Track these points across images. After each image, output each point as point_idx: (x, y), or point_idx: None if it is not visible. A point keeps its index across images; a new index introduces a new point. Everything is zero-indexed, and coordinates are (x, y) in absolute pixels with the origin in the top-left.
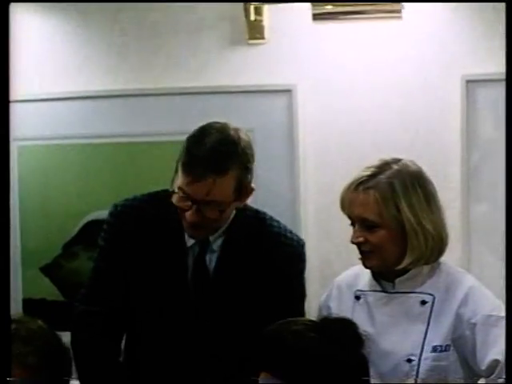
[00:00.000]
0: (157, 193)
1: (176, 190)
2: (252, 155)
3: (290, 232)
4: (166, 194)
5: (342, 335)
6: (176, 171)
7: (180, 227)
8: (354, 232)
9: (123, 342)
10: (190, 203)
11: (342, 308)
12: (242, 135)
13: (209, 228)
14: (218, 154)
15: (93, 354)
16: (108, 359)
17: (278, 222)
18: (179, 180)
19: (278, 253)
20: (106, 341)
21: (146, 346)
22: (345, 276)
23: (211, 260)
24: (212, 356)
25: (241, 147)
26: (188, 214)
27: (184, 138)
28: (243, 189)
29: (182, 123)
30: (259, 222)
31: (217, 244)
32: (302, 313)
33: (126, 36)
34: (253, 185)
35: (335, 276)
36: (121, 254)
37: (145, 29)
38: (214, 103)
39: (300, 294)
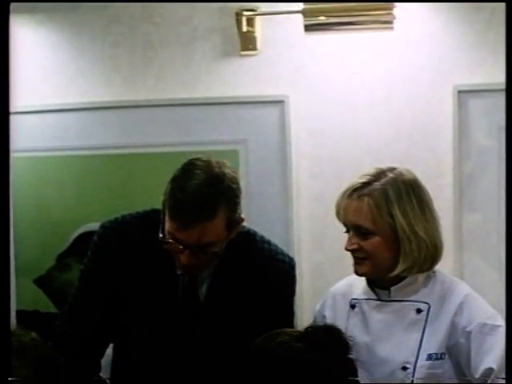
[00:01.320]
0: (146, 213)
1: (166, 236)
2: (239, 188)
3: (282, 253)
4: (156, 215)
5: (327, 342)
6: (163, 214)
7: (169, 253)
8: (349, 239)
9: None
10: (181, 247)
11: (337, 317)
12: (227, 170)
13: (204, 265)
14: (205, 198)
15: (71, 373)
16: (87, 378)
17: (268, 242)
18: (167, 225)
19: (268, 275)
20: (85, 361)
21: (136, 368)
22: (340, 285)
23: (202, 285)
24: (204, 376)
25: (227, 184)
26: (182, 258)
27: (177, 149)
28: (234, 223)
29: (176, 134)
30: (250, 244)
31: (208, 271)
32: None
33: (119, 48)
34: (242, 215)
35: (328, 286)
36: (105, 277)
37: (137, 40)
38: (206, 114)
39: (290, 314)
